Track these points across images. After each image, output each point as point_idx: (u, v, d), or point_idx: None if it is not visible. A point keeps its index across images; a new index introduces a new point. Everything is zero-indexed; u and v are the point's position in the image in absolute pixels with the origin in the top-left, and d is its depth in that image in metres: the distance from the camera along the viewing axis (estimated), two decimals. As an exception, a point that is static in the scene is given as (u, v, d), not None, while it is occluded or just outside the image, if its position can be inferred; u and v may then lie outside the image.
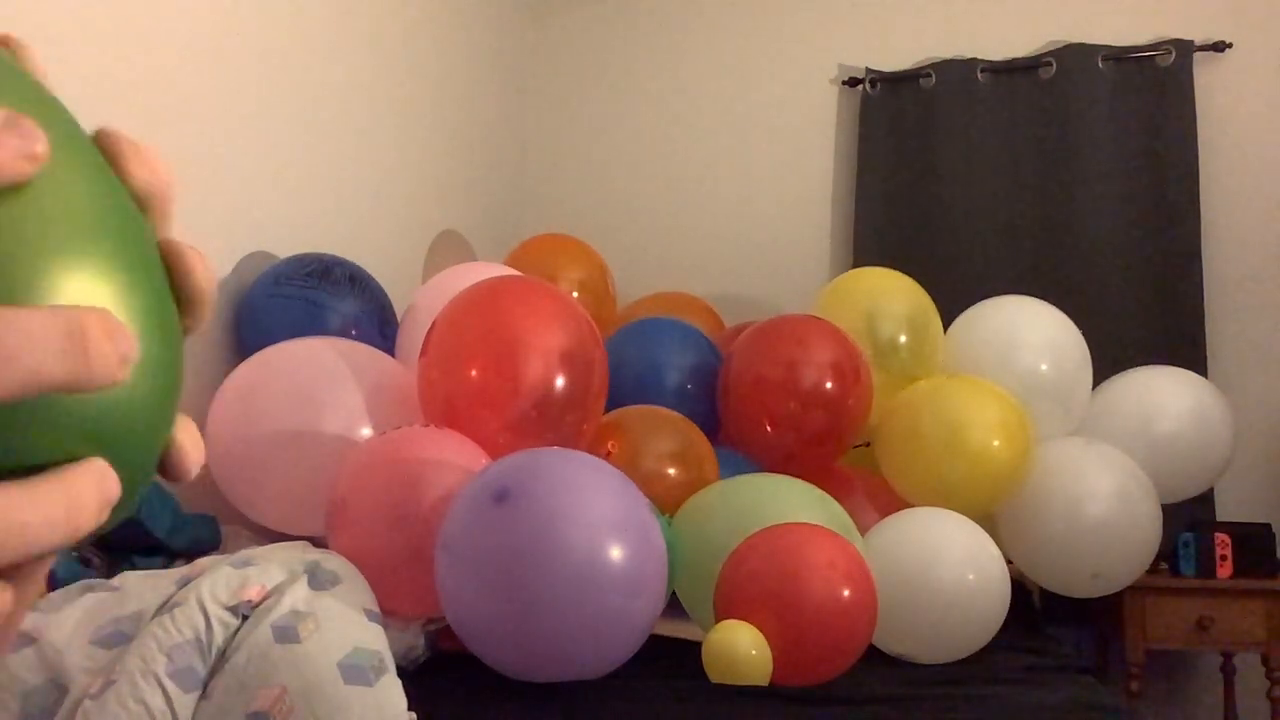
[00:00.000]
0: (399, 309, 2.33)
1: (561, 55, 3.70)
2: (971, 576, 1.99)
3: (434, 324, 1.92)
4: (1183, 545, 2.60)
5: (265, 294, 2.15)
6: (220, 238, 2.18)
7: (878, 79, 3.30)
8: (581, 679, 1.60)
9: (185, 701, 1.26)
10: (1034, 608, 2.58)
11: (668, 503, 2.00)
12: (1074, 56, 3.12)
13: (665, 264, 3.43)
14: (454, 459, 1.74)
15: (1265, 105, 3.05)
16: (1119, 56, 3.10)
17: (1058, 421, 2.41)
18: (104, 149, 0.29)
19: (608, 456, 1.99)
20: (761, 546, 1.78)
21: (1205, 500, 2.77)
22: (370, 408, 1.90)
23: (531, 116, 3.68)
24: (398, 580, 1.63)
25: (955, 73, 3.22)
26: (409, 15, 2.96)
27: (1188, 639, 2.57)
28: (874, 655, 1.87)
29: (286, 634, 1.33)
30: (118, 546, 1.66)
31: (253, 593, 1.38)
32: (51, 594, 1.41)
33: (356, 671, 1.33)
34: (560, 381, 1.84)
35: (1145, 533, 2.28)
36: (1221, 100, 3.06)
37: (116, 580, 1.46)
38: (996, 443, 2.23)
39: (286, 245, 2.31)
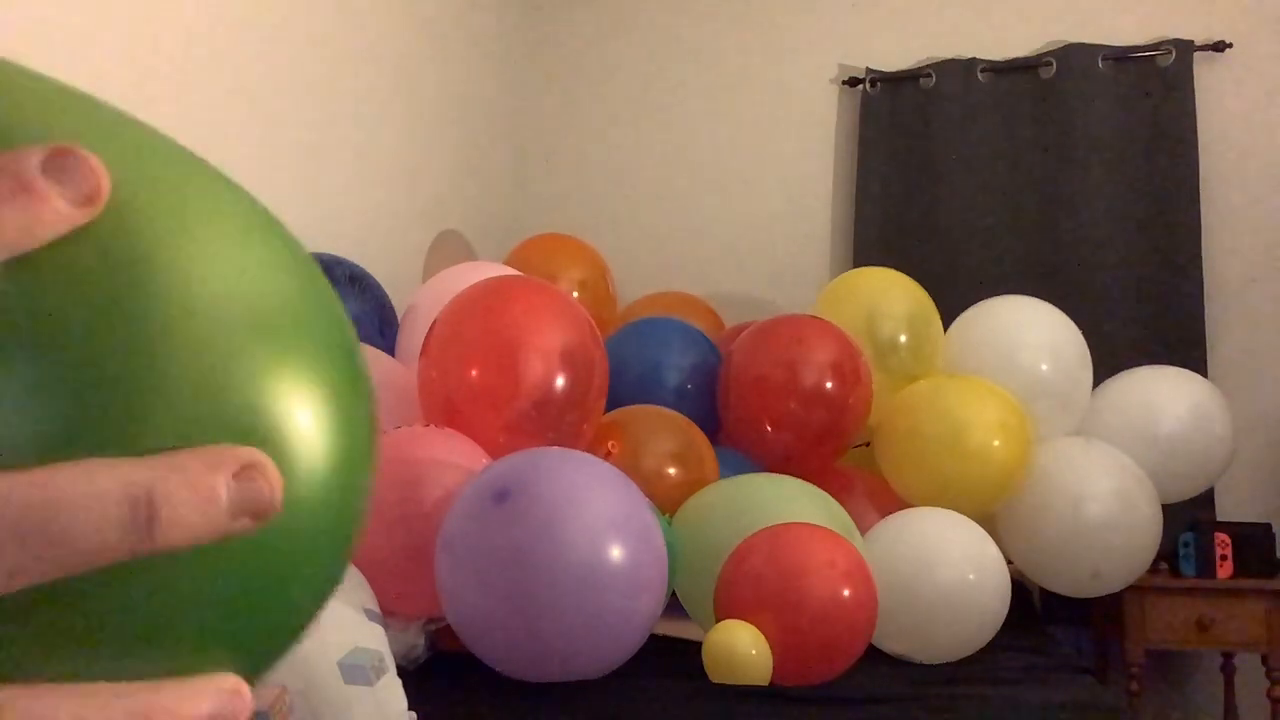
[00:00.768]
0: (399, 309, 2.33)
1: (561, 55, 3.70)
2: (971, 576, 1.99)
3: (434, 324, 1.92)
4: (1183, 545, 2.60)
5: (265, 294, 2.15)
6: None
7: (878, 79, 3.30)
8: (582, 679, 1.60)
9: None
10: (1034, 608, 2.59)
11: (668, 503, 2.00)
12: (1074, 56, 3.11)
13: (665, 264, 3.43)
14: (454, 459, 1.74)
15: (1265, 105, 3.05)
16: (1119, 56, 3.10)
17: (1058, 421, 2.41)
18: None
19: (608, 456, 1.99)
20: (761, 546, 1.78)
21: (1205, 500, 2.76)
22: (370, 407, 1.89)
23: (531, 117, 3.68)
24: (398, 580, 1.63)
25: (955, 73, 3.22)
26: (409, 15, 2.96)
27: (1188, 639, 2.56)
28: (874, 655, 1.86)
29: (286, 634, 1.33)
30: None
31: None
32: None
33: (356, 671, 1.33)
34: (560, 381, 1.84)
35: (1145, 533, 2.28)
36: (1221, 100, 3.06)
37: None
38: (996, 443, 2.23)
39: (286, 245, 2.31)
